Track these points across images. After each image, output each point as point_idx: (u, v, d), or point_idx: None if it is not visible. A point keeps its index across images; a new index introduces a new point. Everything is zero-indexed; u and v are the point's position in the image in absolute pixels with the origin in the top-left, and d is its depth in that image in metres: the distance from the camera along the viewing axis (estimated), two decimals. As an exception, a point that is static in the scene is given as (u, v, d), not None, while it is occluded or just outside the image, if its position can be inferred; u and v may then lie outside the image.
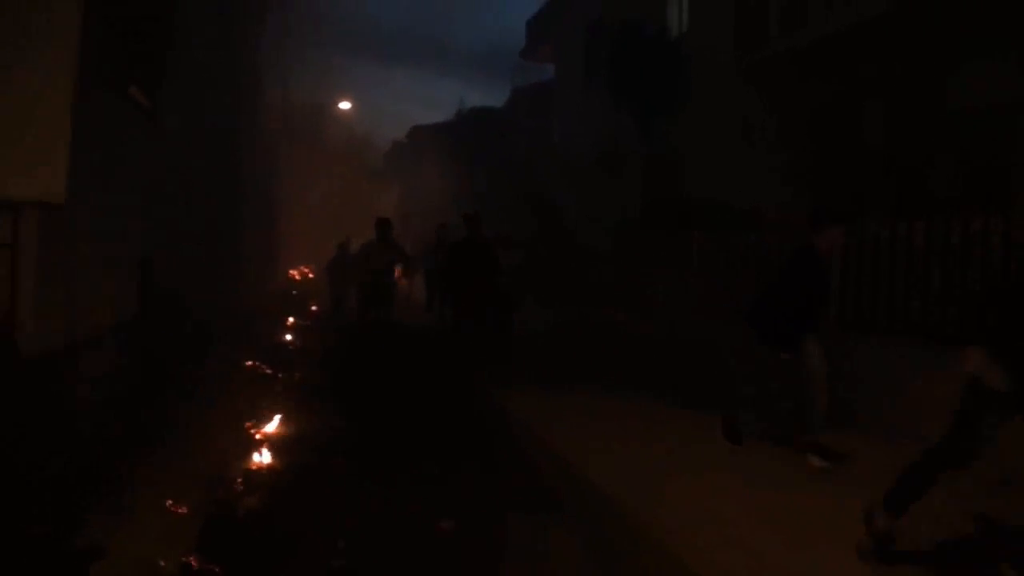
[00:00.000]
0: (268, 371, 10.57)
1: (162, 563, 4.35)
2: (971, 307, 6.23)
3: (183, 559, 4.40)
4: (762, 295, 6.48)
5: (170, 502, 5.18)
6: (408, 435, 7.36)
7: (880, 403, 6.98)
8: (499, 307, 11.44)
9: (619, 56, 15.39)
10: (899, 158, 10.62)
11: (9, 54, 6.63)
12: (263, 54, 22.83)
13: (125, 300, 8.84)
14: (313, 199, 41.48)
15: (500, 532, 4.98)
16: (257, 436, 7.16)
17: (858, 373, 7.20)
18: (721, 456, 6.21)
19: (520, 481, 6.03)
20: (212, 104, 13.85)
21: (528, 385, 9.08)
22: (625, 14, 16.39)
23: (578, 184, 20.43)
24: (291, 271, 32.98)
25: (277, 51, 27.11)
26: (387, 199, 41.03)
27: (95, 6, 7.07)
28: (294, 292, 26.12)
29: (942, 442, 4.05)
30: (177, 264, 11.16)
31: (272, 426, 7.54)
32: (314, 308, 20.28)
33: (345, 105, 40.88)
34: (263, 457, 6.49)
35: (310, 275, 32.31)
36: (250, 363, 10.96)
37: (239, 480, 5.86)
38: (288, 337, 14.72)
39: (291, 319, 17.45)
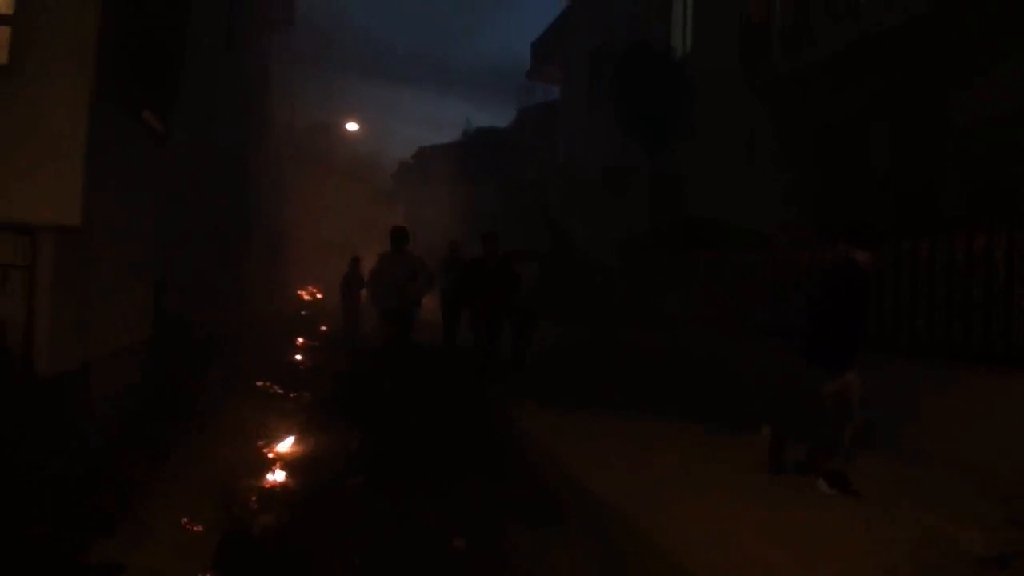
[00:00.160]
0: (280, 390, 10.64)
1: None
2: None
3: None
4: (807, 314, 6.21)
5: (186, 519, 5.25)
6: (420, 453, 7.41)
7: (890, 422, 6.98)
8: (519, 323, 11.27)
9: (624, 77, 15.51)
10: (904, 176, 10.68)
11: (26, 80, 6.78)
12: (272, 76, 23.05)
13: (139, 320, 8.94)
14: (321, 219, 41.64)
15: (510, 548, 5.03)
16: (270, 454, 7.22)
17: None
18: (730, 474, 6.23)
19: (530, 498, 6.09)
20: (222, 126, 14.00)
21: (541, 403, 9.10)
22: (630, 35, 16.54)
23: (584, 203, 20.53)
24: (300, 291, 33.10)
25: (285, 73, 27.36)
26: (394, 219, 41.16)
27: (109, 32, 7.21)
28: (303, 312, 26.22)
29: None
30: (189, 285, 11.26)
31: (285, 444, 7.61)
32: (324, 328, 20.36)
33: (352, 126, 41.19)
34: (276, 475, 6.56)
35: (318, 295, 32.45)
36: (262, 383, 11.03)
37: (253, 497, 5.93)
38: (299, 357, 14.79)
39: (301, 339, 17.53)
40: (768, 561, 4.41)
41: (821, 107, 12.22)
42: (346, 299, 17.28)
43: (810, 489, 5.75)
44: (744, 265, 10.99)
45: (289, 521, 5.46)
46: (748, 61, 13.54)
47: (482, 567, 4.82)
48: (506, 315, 10.86)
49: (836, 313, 5.74)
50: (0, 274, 5.75)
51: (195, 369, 10.05)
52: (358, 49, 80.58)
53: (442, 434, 8.29)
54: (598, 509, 5.60)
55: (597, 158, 19.98)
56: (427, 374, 11.21)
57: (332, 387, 11.32)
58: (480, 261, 11.04)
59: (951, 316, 7.13)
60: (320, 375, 12.51)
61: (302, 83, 34.34)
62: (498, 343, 10.94)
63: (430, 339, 13.55)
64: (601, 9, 21.15)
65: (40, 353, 6.11)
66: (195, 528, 5.17)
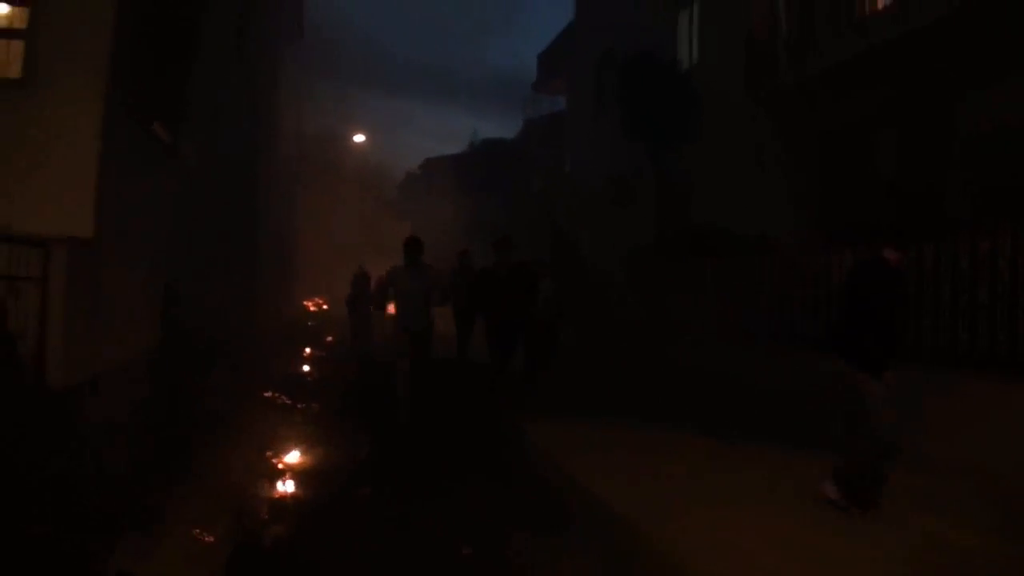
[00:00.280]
0: (288, 400, 10.67)
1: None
2: None
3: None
4: (841, 315, 6.10)
5: (197, 530, 5.28)
6: (429, 463, 7.42)
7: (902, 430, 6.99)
8: (536, 339, 10.67)
9: (630, 88, 15.59)
10: (909, 181, 10.72)
11: (39, 93, 6.87)
12: (280, 87, 23.19)
13: (148, 330, 9.02)
14: (327, 230, 41.82)
15: (517, 557, 5.05)
16: (279, 465, 7.25)
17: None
18: (737, 487, 6.26)
19: (537, 507, 6.10)
20: (229, 137, 14.12)
21: (553, 414, 9.09)
22: (635, 47, 16.61)
23: (590, 213, 20.60)
24: (306, 302, 33.20)
25: (294, 84, 27.52)
26: (401, 230, 41.30)
27: (122, 45, 7.31)
28: (310, 323, 26.27)
29: None
30: (197, 296, 11.35)
31: (294, 454, 7.63)
32: (330, 339, 20.41)
33: (360, 138, 41.42)
34: (286, 485, 6.58)
35: (324, 306, 32.54)
36: (270, 392, 11.07)
37: (264, 508, 5.96)
38: (306, 367, 14.82)
39: (308, 349, 17.56)
40: (769, 567, 4.47)
41: (826, 116, 12.27)
42: (354, 313, 16.92)
43: (814, 500, 5.75)
44: (753, 272, 11.04)
45: (299, 531, 5.48)
46: (753, 72, 13.60)
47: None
48: (523, 328, 10.20)
49: (871, 310, 5.59)
50: (13, 287, 5.80)
51: (203, 379, 10.10)
52: (366, 61, 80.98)
53: (452, 445, 8.29)
54: (605, 519, 5.63)
55: (603, 169, 20.04)
56: (438, 387, 10.94)
57: (340, 398, 11.35)
58: (489, 271, 10.51)
59: (955, 321, 7.19)
60: (328, 385, 12.54)
61: (310, 94, 34.58)
62: (512, 356, 10.29)
63: (441, 351, 13.54)
64: (607, 21, 21.24)
65: (52, 364, 6.19)
66: (206, 538, 5.20)
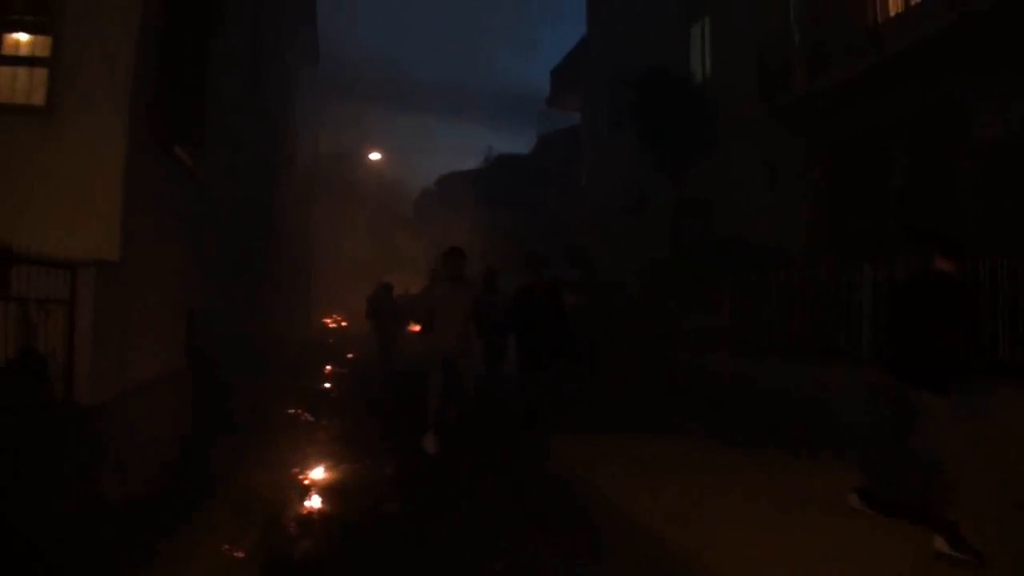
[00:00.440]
0: (311, 418, 10.75)
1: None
2: None
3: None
4: (896, 331, 5.77)
5: (227, 546, 5.36)
6: (456, 480, 7.45)
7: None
8: (577, 358, 10.29)
9: (645, 102, 15.68)
10: (923, 190, 10.74)
11: (64, 119, 7.01)
12: (296, 107, 23.44)
13: (173, 350, 9.13)
14: (344, 247, 42.04)
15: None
16: (305, 481, 7.31)
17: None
18: (743, 503, 6.31)
19: (568, 526, 6.07)
20: (247, 157, 14.29)
21: (578, 430, 9.09)
22: (648, 61, 16.71)
23: (606, 227, 20.66)
24: (325, 319, 33.37)
25: (310, 103, 27.77)
26: (417, 246, 41.48)
27: (144, 70, 7.45)
28: (330, 340, 26.40)
29: None
30: (219, 315, 11.48)
31: (319, 471, 7.68)
32: (350, 356, 20.51)
33: (375, 156, 41.69)
34: (313, 502, 6.64)
35: (343, 323, 32.71)
36: (293, 410, 11.16)
37: (292, 523, 6.03)
38: (328, 384, 14.90)
39: (329, 367, 17.65)
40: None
41: (839, 126, 12.31)
42: (379, 327, 16.23)
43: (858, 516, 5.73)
44: (768, 287, 11.04)
45: (327, 546, 5.54)
46: (766, 84, 13.67)
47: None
48: (557, 353, 9.49)
49: (942, 325, 5.31)
50: (44, 309, 5.91)
51: (228, 397, 10.20)
52: (380, 80, 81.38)
53: (480, 461, 8.23)
54: (640, 543, 5.62)
55: (619, 182, 20.12)
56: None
57: (365, 415, 11.39)
58: (527, 291, 9.68)
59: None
60: (352, 402, 12.60)
61: (326, 115, 34.86)
62: (548, 379, 9.64)
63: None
64: (619, 36, 21.39)
65: (80, 385, 6.28)
66: (236, 554, 5.28)
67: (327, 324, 32.69)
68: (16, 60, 7.32)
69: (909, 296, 5.66)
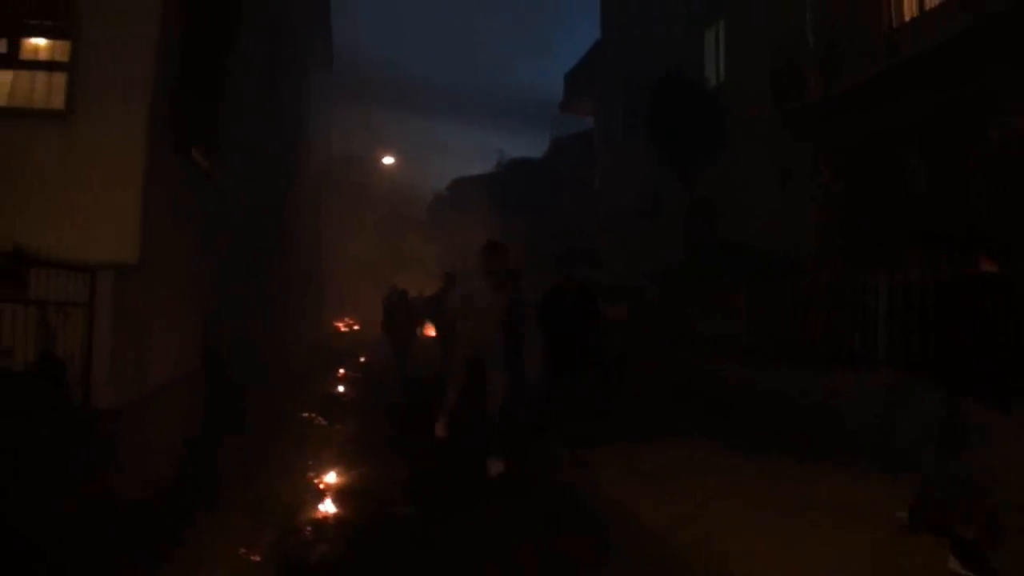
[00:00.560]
0: (324, 421, 10.76)
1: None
2: None
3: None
4: (949, 339, 5.43)
5: (243, 550, 5.37)
6: (467, 483, 7.42)
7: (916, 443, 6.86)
8: (607, 367, 9.93)
9: (659, 106, 15.67)
10: (937, 193, 10.69)
11: (83, 124, 7.05)
12: (310, 111, 23.51)
13: (187, 353, 9.16)
14: (355, 251, 42.07)
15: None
16: (321, 485, 7.31)
17: (915, 417, 7.13)
18: (748, 510, 6.28)
19: (577, 529, 6.08)
20: (262, 160, 14.33)
21: (598, 439, 8.90)
22: (662, 66, 16.71)
23: (619, 231, 20.64)
24: (337, 323, 33.40)
25: (323, 107, 27.85)
26: (429, 250, 41.48)
27: (163, 74, 7.49)
28: (342, 343, 26.41)
29: None
30: (234, 318, 11.51)
31: (335, 475, 7.67)
32: (363, 359, 20.52)
33: (388, 159, 41.72)
34: (328, 506, 6.64)
35: (355, 327, 32.73)
36: (308, 414, 11.17)
37: (307, 526, 6.03)
38: (342, 388, 14.91)
39: (343, 370, 17.66)
40: None
41: (854, 133, 12.28)
42: (393, 332, 15.95)
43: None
44: (783, 292, 11.00)
45: (343, 549, 5.54)
46: (780, 90, 13.65)
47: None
48: (587, 356, 9.08)
49: (978, 327, 5.09)
50: (63, 311, 5.94)
51: (242, 400, 10.22)
52: (393, 85, 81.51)
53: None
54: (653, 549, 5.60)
55: (633, 186, 20.11)
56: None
57: (379, 419, 11.36)
58: (559, 291, 9.23)
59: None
60: (365, 407, 12.59)
61: (338, 116, 34.93)
62: (575, 383, 9.23)
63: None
64: (633, 40, 21.39)
65: (98, 389, 6.32)
66: (252, 557, 5.29)
67: (339, 327, 32.71)
68: (36, 64, 7.37)
69: (952, 299, 5.42)
